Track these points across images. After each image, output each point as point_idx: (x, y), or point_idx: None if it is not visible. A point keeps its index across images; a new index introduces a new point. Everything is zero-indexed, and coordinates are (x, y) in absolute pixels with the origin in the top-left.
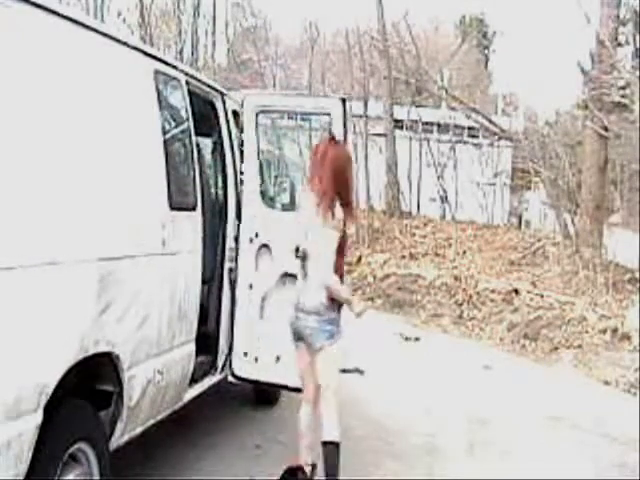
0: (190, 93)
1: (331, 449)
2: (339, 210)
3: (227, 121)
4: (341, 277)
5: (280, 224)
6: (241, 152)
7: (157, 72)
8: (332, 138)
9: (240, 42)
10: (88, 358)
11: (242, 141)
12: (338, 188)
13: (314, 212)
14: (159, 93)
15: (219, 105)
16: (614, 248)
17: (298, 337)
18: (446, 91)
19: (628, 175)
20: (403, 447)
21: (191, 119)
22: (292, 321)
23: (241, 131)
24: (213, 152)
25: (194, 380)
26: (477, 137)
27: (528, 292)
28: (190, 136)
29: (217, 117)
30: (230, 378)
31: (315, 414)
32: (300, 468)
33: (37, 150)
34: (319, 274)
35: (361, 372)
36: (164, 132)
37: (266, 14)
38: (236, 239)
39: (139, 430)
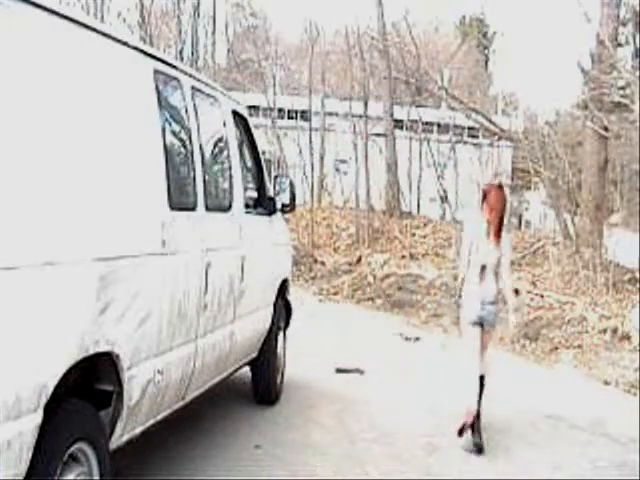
0: (190, 93)
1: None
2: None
3: (227, 121)
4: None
5: None
6: (241, 152)
7: (157, 72)
8: (500, 185)
9: (240, 42)
10: (88, 358)
11: (242, 141)
12: (501, 223)
13: (485, 235)
14: (159, 93)
15: (219, 105)
16: (614, 248)
17: (480, 321)
18: (446, 91)
19: (628, 175)
20: (403, 447)
21: (192, 119)
22: (478, 310)
23: (242, 131)
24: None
25: None
26: (477, 137)
27: (528, 292)
28: (190, 136)
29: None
30: None
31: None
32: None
33: (37, 150)
34: (499, 279)
35: (361, 372)
36: (164, 132)
37: (266, 14)
38: None
39: (139, 430)
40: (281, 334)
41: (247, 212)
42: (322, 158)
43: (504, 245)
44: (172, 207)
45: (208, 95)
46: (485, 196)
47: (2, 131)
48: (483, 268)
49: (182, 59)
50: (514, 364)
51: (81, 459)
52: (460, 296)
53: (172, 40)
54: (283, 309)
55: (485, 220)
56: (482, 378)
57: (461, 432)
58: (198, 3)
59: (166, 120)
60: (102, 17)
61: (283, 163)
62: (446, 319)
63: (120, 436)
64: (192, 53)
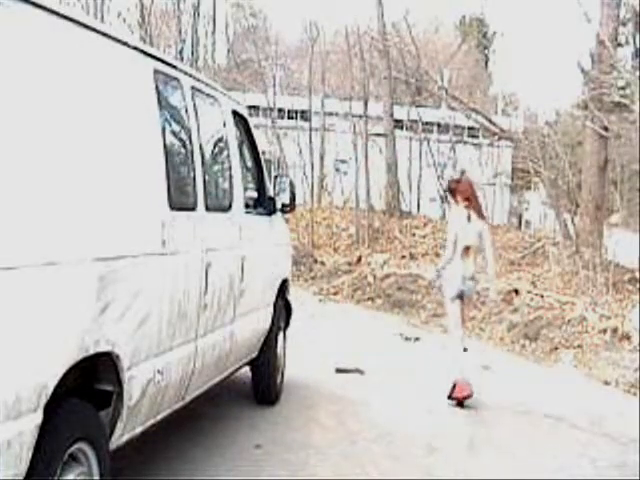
0: (190, 93)
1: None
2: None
3: (227, 121)
4: None
5: None
6: (241, 152)
7: (157, 72)
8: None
9: (240, 42)
10: (88, 358)
11: (242, 141)
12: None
13: (467, 220)
14: (159, 93)
15: (219, 105)
16: (614, 248)
17: (460, 295)
18: (446, 91)
19: (628, 175)
20: (402, 447)
21: (192, 119)
22: (460, 285)
23: (242, 131)
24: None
25: None
26: (477, 137)
27: (528, 292)
28: (190, 136)
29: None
30: None
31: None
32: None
33: (37, 150)
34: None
35: (361, 372)
36: (164, 132)
37: (266, 14)
38: None
39: (139, 430)
40: (281, 334)
41: (247, 212)
42: (322, 158)
43: (485, 229)
44: (172, 207)
45: (208, 95)
46: (453, 190)
47: (2, 131)
48: (467, 248)
49: (182, 59)
50: (514, 364)
51: (81, 459)
52: (439, 275)
53: (172, 40)
54: (283, 309)
55: (464, 207)
56: (465, 351)
57: (451, 397)
58: (198, 3)
59: (166, 120)
60: (102, 17)
61: (283, 163)
62: (446, 319)
63: (120, 436)
64: (192, 53)
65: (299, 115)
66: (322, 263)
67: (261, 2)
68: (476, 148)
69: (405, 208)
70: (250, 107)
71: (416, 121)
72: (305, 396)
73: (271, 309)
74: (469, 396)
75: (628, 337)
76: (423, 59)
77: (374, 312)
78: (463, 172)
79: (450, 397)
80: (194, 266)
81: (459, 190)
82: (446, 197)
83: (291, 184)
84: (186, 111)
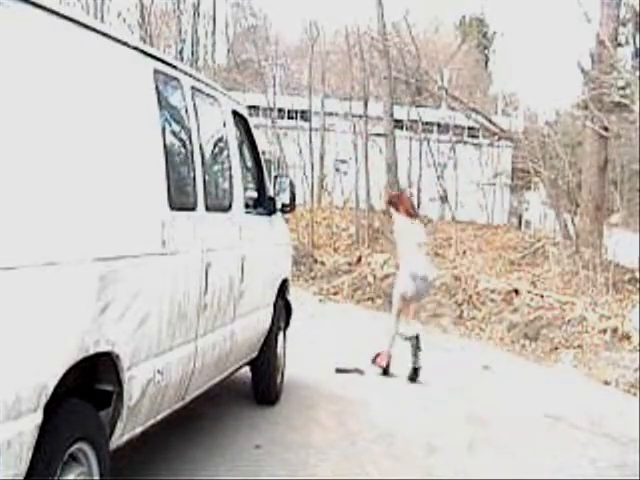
0: (190, 93)
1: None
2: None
3: (227, 121)
4: None
5: None
6: (241, 152)
7: (157, 72)
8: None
9: (240, 42)
10: (88, 358)
11: (242, 141)
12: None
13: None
14: (159, 93)
15: (219, 105)
16: (614, 248)
17: (417, 295)
18: (446, 91)
19: (628, 175)
20: (402, 447)
21: (192, 119)
22: (416, 285)
23: (242, 131)
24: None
25: None
26: (477, 137)
27: (528, 292)
28: (190, 136)
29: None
30: None
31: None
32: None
33: (37, 150)
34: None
35: (361, 372)
36: (164, 132)
37: (266, 14)
38: None
39: (139, 430)
40: (281, 334)
41: (247, 212)
42: (322, 158)
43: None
44: (172, 207)
45: (208, 95)
46: (395, 203)
47: (2, 131)
48: (419, 245)
49: (182, 59)
50: (514, 364)
51: (81, 459)
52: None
53: (172, 40)
54: (283, 309)
55: (407, 216)
56: (418, 338)
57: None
58: (198, 3)
59: (166, 120)
60: (102, 17)
61: (283, 163)
62: (446, 319)
63: (120, 436)
64: (192, 53)
65: (299, 115)
66: (322, 263)
67: (261, 2)
68: (476, 148)
69: None
70: (250, 107)
71: (416, 121)
72: (305, 396)
73: (271, 309)
74: (385, 367)
75: (628, 337)
76: (423, 59)
77: (374, 312)
78: (403, 190)
79: (374, 361)
80: (194, 266)
81: (402, 203)
82: (445, 197)
83: (291, 184)
84: (186, 111)
